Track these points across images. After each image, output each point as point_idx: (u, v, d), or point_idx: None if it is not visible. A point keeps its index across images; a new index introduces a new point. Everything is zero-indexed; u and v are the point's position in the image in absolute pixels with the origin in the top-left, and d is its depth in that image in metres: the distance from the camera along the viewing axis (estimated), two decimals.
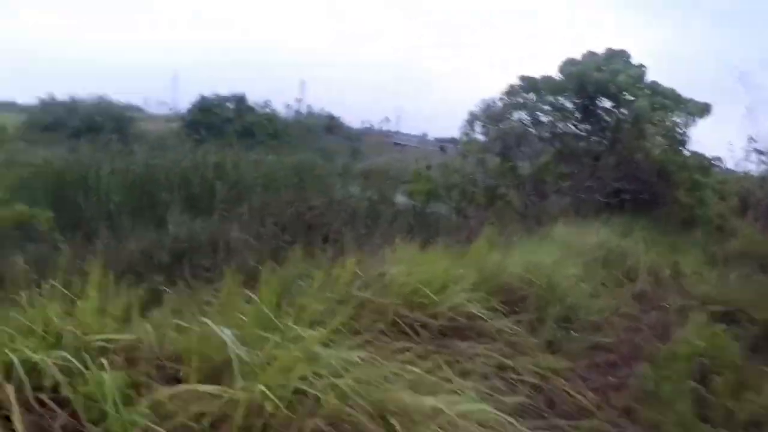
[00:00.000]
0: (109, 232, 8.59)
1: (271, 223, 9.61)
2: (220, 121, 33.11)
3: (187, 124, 32.86)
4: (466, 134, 14.06)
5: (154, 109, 43.29)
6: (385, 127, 47.59)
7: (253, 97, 35.76)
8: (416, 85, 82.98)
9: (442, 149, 24.77)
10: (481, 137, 13.89)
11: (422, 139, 44.27)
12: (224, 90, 35.33)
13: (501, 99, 13.88)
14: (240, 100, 35.29)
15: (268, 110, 36.45)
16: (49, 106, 30.69)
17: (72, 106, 30.16)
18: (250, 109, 35.32)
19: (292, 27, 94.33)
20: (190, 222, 9.53)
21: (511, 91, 13.76)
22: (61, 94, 31.52)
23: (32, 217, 5.61)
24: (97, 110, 29.43)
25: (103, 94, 31.77)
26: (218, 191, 11.02)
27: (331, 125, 41.65)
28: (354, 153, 33.39)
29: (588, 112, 13.69)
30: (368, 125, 46.92)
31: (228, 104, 35.19)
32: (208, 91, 34.84)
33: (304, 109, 43.67)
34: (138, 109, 40.65)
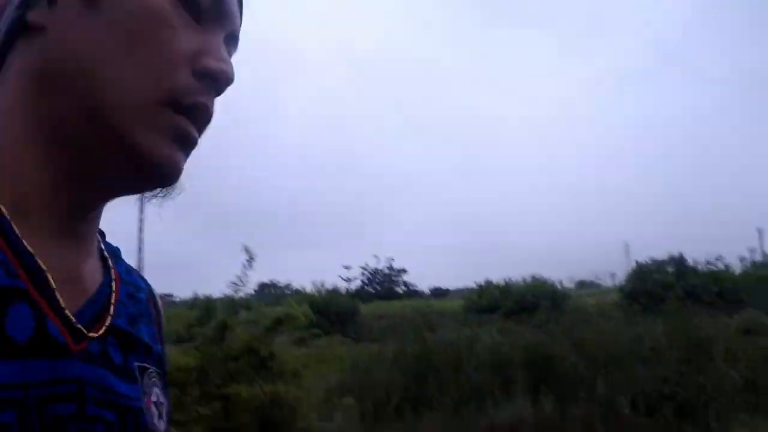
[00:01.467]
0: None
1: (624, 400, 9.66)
2: (660, 287, 32.17)
3: (625, 295, 33.13)
4: None
5: (603, 281, 43.68)
6: None
7: (700, 253, 33.44)
8: None
9: None
10: None
11: None
12: (673, 248, 34.06)
13: None
14: (679, 261, 33.79)
15: (714, 268, 33.51)
16: (485, 290, 34.75)
17: (506, 289, 33.61)
18: (693, 270, 33.26)
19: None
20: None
21: None
22: (498, 278, 35.14)
23: None
24: (531, 290, 32.05)
25: (537, 273, 33.98)
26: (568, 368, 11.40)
27: None
28: None
29: None
30: None
31: (668, 268, 34.14)
32: (654, 253, 34.29)
33: (759, 259, 37.78)
34: (582, 284, 41.77)
